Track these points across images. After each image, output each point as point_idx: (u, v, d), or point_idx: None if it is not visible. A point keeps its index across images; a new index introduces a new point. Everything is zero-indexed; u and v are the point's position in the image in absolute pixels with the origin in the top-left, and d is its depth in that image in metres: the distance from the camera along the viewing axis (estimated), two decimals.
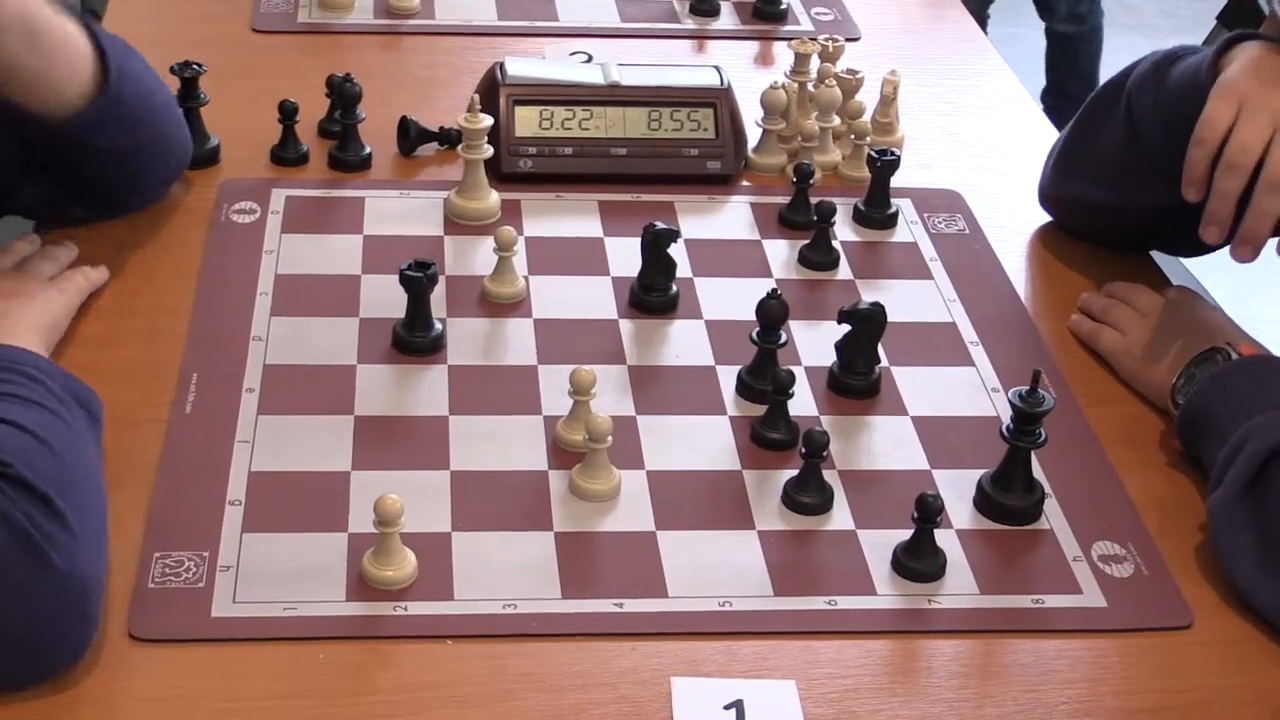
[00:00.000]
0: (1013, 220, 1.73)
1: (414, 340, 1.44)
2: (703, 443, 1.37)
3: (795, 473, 1.31)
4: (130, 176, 1.54)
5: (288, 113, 1.71)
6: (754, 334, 1.42)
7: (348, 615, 1.17)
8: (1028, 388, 1.28)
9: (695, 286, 1.57)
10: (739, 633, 1.19)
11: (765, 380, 1.39)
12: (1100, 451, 1.39)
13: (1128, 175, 1.57)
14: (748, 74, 1.96)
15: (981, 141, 1.90)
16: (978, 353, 1.51)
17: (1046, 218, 1.72)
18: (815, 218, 1.61)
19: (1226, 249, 1.40)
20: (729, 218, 1.70)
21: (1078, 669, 1.18)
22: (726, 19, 2.12)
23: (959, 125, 1.93)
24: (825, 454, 1.29)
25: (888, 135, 1.84)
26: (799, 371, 1.44)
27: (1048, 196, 1.71)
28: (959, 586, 1.24)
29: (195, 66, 1.69)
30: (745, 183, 1.76)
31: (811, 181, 1.67)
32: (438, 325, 1.46)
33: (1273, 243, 1.40)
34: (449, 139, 1.76)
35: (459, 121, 1.64)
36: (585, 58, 1.96)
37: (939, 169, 1.82)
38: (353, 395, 1.39)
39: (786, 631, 1.19)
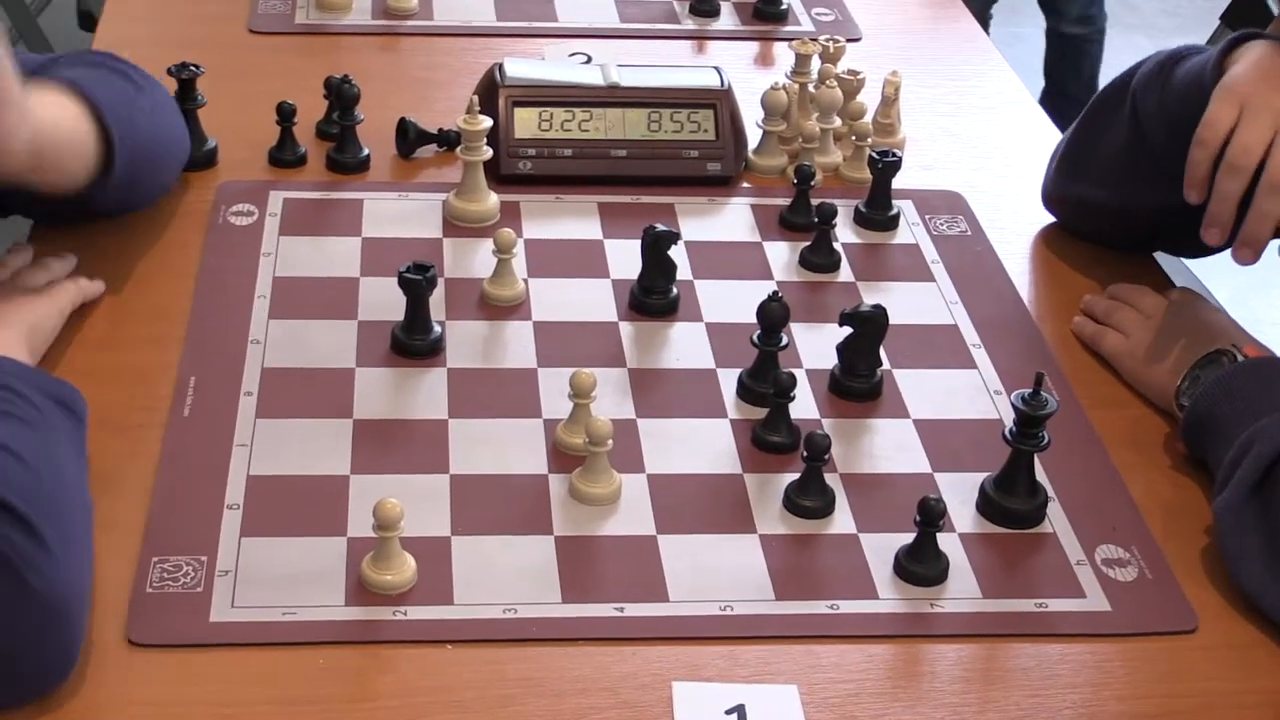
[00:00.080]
0: (1015, 222, 1.72)
1: (413, 343, 1.44)
2: (703, 446, 1.36)
3: (796, 476, 1.31)
4: (130, 205, 1.55)
5: (285, 114, 1.70)
6: (755, 337, 1.41)
7: (347, 620, 1.17)
8: (1031, 390, 1.28)
9: (696, 289, 1.57)
10: (740, 637, 1.18)
11: (766, 383, 1.38)
12: (1104, 454, 1.39)
13: (1132, 176, 1.56)
14: (748, 75, 1.96)
15: (983, 142, 1.89)
16: (980, 355, 1.50)
17: (1049, 219, 1.72)
18: (816, 219, 1.60)
19: (1229, 251, 1.40)
20: (729, 220, 1.69)
21: (1081, 673, 1.18)
22: (726, 19, 2.12)
23: (960, 126, 1.92)
24: (827, 457, 1.29)
25: (889, 136, 1.83)
26: (800, 374, 1.43)
27: (1051, 197, 1.70)
28: (961, 590, 1.24)
29: (193, 68, 1.68)
30: (746, 184, 1.76)
31: (812, 183, 1.67)
32: (437, 328, 1.45)
33: (1275, 244, 1.39)
34: (448, 141, 1.75)
35: (458, 123, 1.63)
36: (585, 59, 1.95)
37: (940, 170, 1.82)
38: (351, 398, 1.38)
39: (788, 636, 1.19)
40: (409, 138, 1.75)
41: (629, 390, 1.42)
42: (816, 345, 1.48)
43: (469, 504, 1.28)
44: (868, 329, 1.42)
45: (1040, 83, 3.94)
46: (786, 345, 1.42)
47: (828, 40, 1.89)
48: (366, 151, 1.73)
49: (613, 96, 1.74)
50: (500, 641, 1.16)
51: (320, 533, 1.24)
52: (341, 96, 1.70)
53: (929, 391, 1.45)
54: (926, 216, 1.71)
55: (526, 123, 1.71)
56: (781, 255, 1.63)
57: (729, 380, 1.44)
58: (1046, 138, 1.87)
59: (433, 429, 1.36)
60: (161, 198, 1.61)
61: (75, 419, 1.22)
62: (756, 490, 1.32)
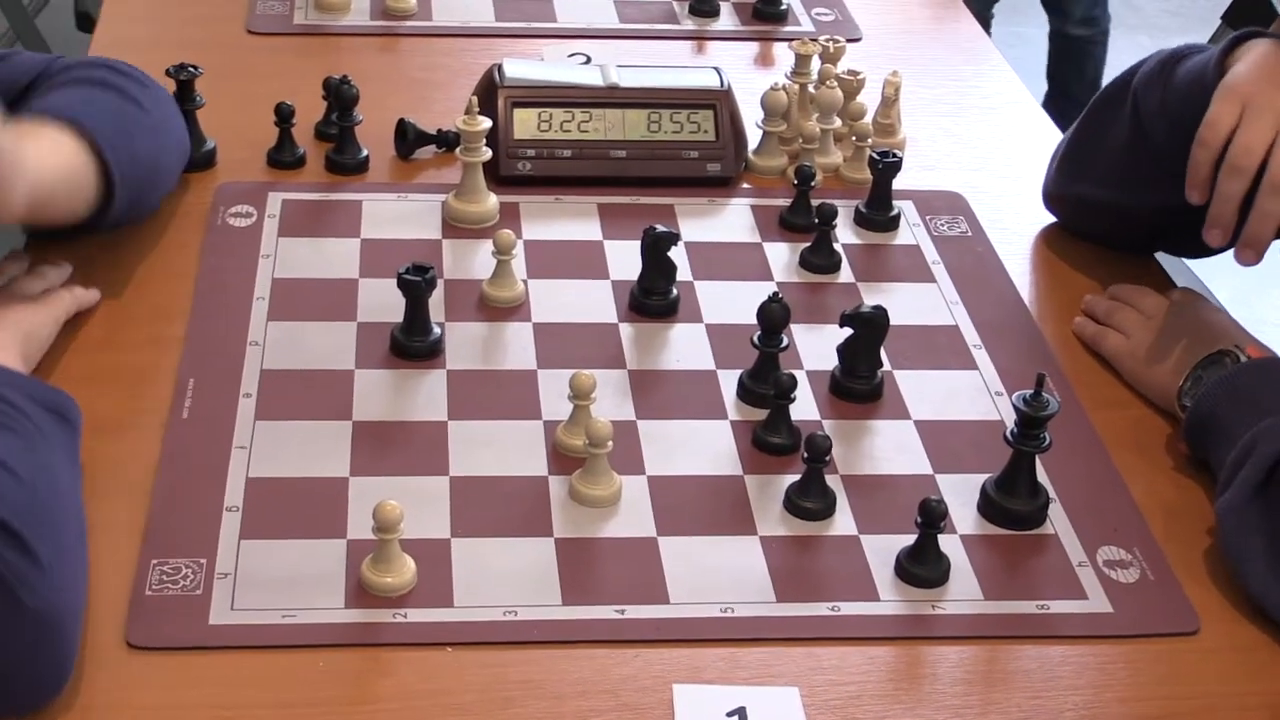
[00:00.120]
0: (1016, 222, 1.72)
1: (412, 345, 1.44)
2: (704, 447, 1.36)
3: (797, 478, 1.30)
4: (131, 222, 1.54)
5: (284, 115, 1.70)
6: (755, 338, 1.41)
7: (347, 623, 1.16)
8: (1032, 391, 1.28)
9: (696, 290, 1.56)
10: (741, 639, 1.18)
11: (767, 384, 1.38)
12: (1105, 455, 1.38)
13: (1133, 175, 1.56)
14: (748, 75, 1.95)
15: (984, 143, 1.89)
16: (981, 356, 1.50)
17: (1050, 219, 1.72)
18: (816, 220, 1.60)
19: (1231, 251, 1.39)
20: (729, 220, 1.69)
21: (1083, 675, 1.17)
22: (726, 20, 2.12)
23: (961, 126, 1.92)
24: (827, 459, 1.29)
25: (889, 137, 1.83)
26: (800, 375, 1.43)
27: (1052, 197, 1.70)
28: (963, 592, 1.23)
29: (191, 69, 1.68)
30: (746, 185, 1.76)
31: (812, 184, 1.66)
32: (436, 329, 1.45)
33: (1278, 245, 1.39)
34: (447, 141, 1.75)
35: (457, 124, 1.63)
36: (584, 59, 1.95)
37: (941, 171, 1.82)
38: (351, 400, 1.38)
39: (789, 638, 1.18)
40: (408, 139, 1.74)
41: (629, 392, 1.42)
42: (817, 346, 1.48)
43: (469, 506, 1.27)
44: (868, 330, 1.42)
45: (1040, 83, 3.93)
46: (787, 346, 1.41)
47: (828, 40, 1.89)
48: (365, 152, 1.72)
49: (612, 97, 1.73)
50: (500, 644, 1.16)
51: (320, 535, 1.23)
52: (340, 97, 1.70)
53: (930, 393, 1.45)
54: (927, 217, 1.71)
55: (526, 123, 1.71)
56: (782, 256, 1.63)
57: (729, 381, 1.43)
58: (1047, 138, 1.87)
59: (432, 431, 1.35)
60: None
61: (70, 428, 1.21)
62: (757, 492, 1.31)
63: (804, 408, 1.40)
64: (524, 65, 1.79)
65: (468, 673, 1.13)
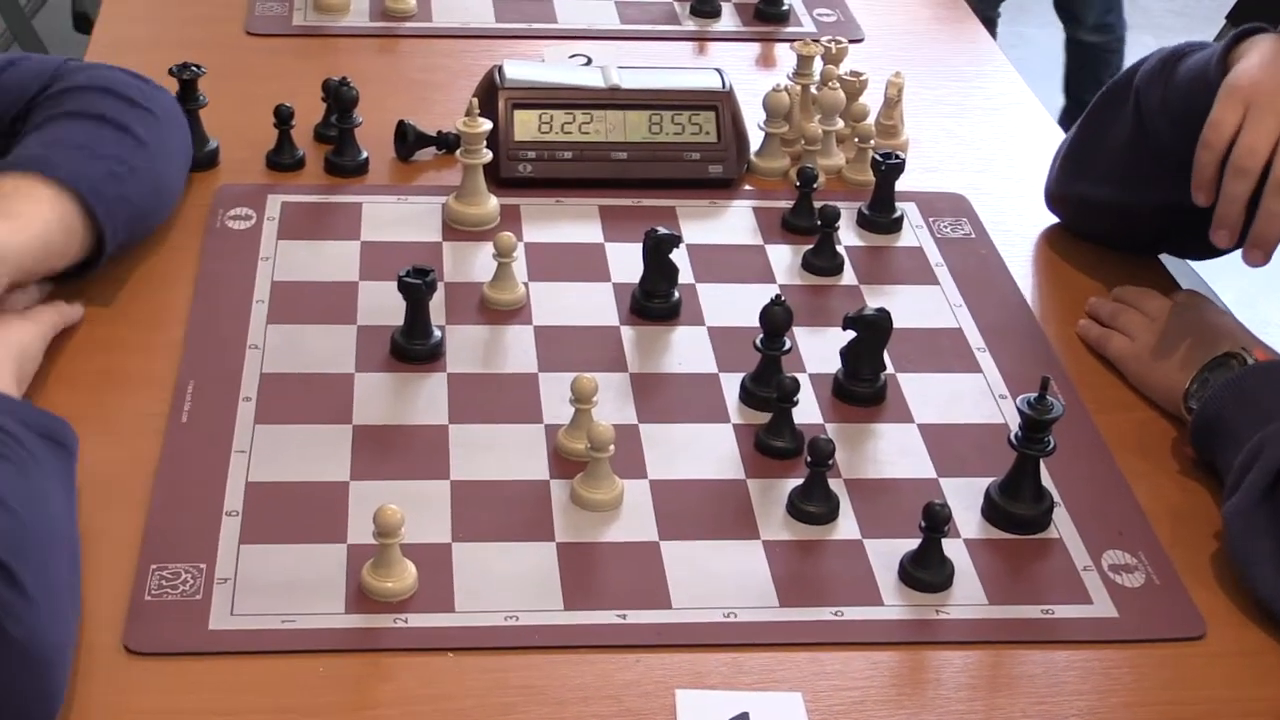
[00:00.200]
0: (1019, 224, 1.71)
1: (412, 348, 1.43)
2: (706, 451, 1.35)
3: (800, 481, 1.30)
4: (125, 252, 1.53)
5: (283, 117, 1.69)
6: (758, 341, 1.40)
7: (347, 628, 1.16)
8: (1036, 394, 1.27)
9: (698, 292, 1.56)
10: (744, 644, 1.17)
11: (769, 388, 1.37)
12: (1110, 459, 1.38)
13: (1135, 173, 1.55)
14: (750, 76, 1.95)
15: (987, 144, 1.89)
16: (985, 359, 1.49)
17: (1053, 221, 1.71)
18: (819, 222, 1.59)
19: (1237, 252, 1.39)
20: (731, 222, 1.69)
21: (1088, 680, 1.17)
22: (728, 20, 2.11)
23: (964, 128, 1.92)
24: (831, 462, 1.28)
25: (892, 138, 1.82)
26: (803, 379, 1.42)
27: (1054, 196, 1.70)
28: (967, 597, 1.23)
29: (194, 68, 1.68)
30: (748, 187, 1.75)
31: (815, 185, 1.66)
32: (436, 333, 1.45)
33: None
34: (447, 143, 1.75)
35: (457, 125, 1.62)
36: (585, 60, 1.95)
37: (944, 172, 1.81)
38: (351, 404, 1.37)
39: (792, 643, 1.18)
40: (408, 140, 1.74)
41: (631, 395, 1.41)
42: (820, 349, 1.47)
43: (470, 510, 1.27)
44: (871, 333, 1.41)
45: (1045, 83, 3.91)
46: (789, 349, 1.41)
47: (830, 41, 1.88)
48: (365, 154, 1.72)
49: (613, 98, 1.73)
50: (502, 649, 1.15)
51: (320, 539, 1.23)
52: (340, 99, 1.69)
53: (933, 396, 1.44)
54: (930, 219, 1.70)
55: (526, 125, 1.71)
56: (784, 258, 1.62)
57: (731, 385, 1.43)
58: (1051, 139, 1.86)
59: (433, 434, 1.35)
60: None
61: (65, 454, 1.19)
62: (760, 496, 1.31)
63: (807, 411, 1.39)
64: (525, 66, 1.79)
65: (469, 678, 1.13)
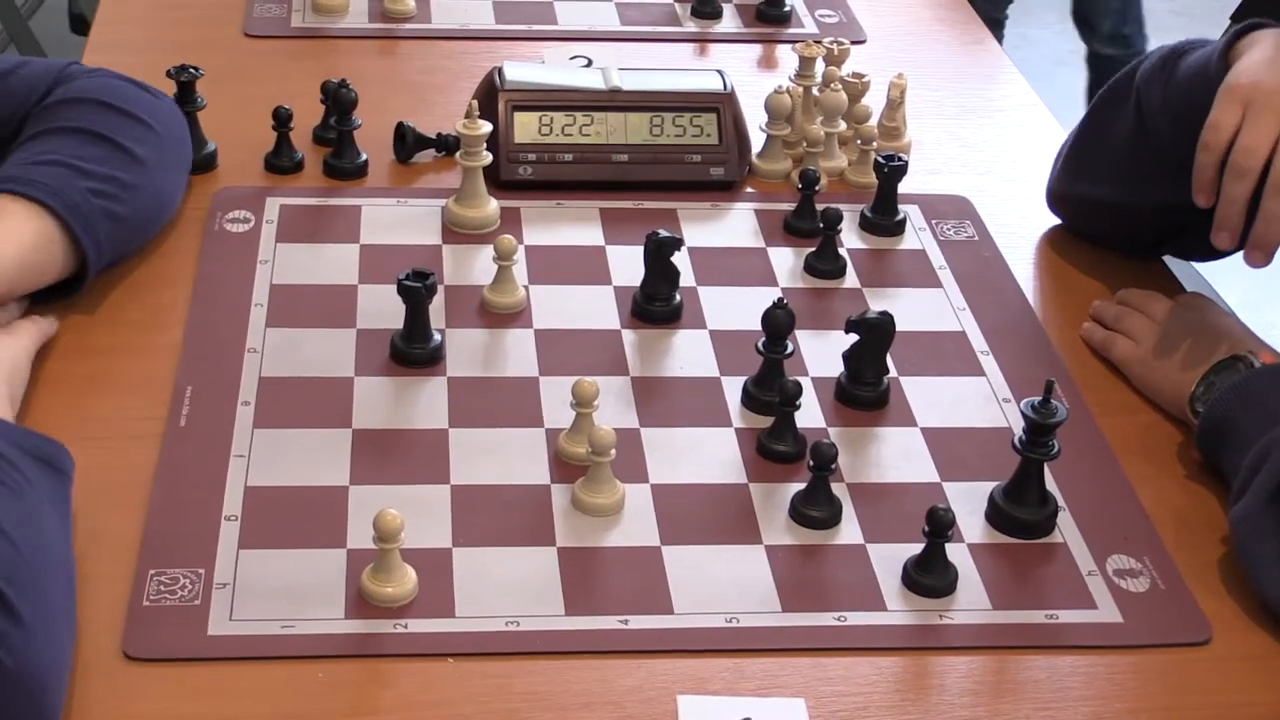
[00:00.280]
0: (1023, 226, 1.71)
1: (412, 351, 1.42)
2: (708, 455, 1.35)
3: (803, 486, 1.29)
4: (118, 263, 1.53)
5: (282, 120, 1.69)
6: (760, 344, 1.40)
7: (347, 633, 1.15)
8: (1040, 398, 1.26)
9: (699, 296, 1.55)
10: (747, 650, 1.17)
11: (771, 391, 1.37)
12: (1114, 462, 1.37)
13: (1137, 172, 1.55)
14: (751, 78, 1.94)
15: (990, 146, 1.88)
16: (988, 362, 1.49)
17: (1057, 223, 1.70)
18: (821, 225, 1.59)
19: (1240, 254, 1.38)
20: (733, 225, 1.68)
21: (1092, 685, 1.16)
22: (729, 22, 2.10)
23: (967, 130, 1.91)
24: (834, 466, 1.28)
25: (895, 140, 1.82)
26: (806, 382, 1.42)
27: (1055, 196, 1.69)
28: (971, 602, 1.22)
29: (192, 70, 1.67)
30: (749, 189, 1.75)
31: (817, 188, 1.65)
32: (436, 336, 1.44)
33: None
34: (447, 145, 1.74)
35: (457, 128, 1.62)
36: (585, 62, 1.94)
37: (947, 174, 1.80)
38: (350, 408, 1.37)
39: (795, 648, 1.17)
40: (407, 143, 1.73)
41: (632, 399, 1.41)
42: (822, 353, 1.47)
43: (470, 515, 1.26)
44: (874, 336, 1.41)
45: (1048, 84, 3.89)
46: (792, 353, 1.40)
47: (832, 43, 1.88)
48: (364, 157, 1.71)
49: (614, 100, 1.72)
50: (503, 655, 1.15)
51: (319, 544, 1.22)
52: (339, 101, 1.69)
53: (937, 399, 1.43)
54: (933, 221, 1.70)
55: (526, 127, 1.70)
56: (786, 261, 1.62)
57: (733, 388, 1.42)
58: (1054, 141, 1.85)
59: (433, 439, 1.34)
60: None
61: (61, 477, 1.17)
62: (762, 500, 1.30)
63: (809, 415, 1.39)
64: (525, 68, 1.78)
65: (469, 684, 1.12)
